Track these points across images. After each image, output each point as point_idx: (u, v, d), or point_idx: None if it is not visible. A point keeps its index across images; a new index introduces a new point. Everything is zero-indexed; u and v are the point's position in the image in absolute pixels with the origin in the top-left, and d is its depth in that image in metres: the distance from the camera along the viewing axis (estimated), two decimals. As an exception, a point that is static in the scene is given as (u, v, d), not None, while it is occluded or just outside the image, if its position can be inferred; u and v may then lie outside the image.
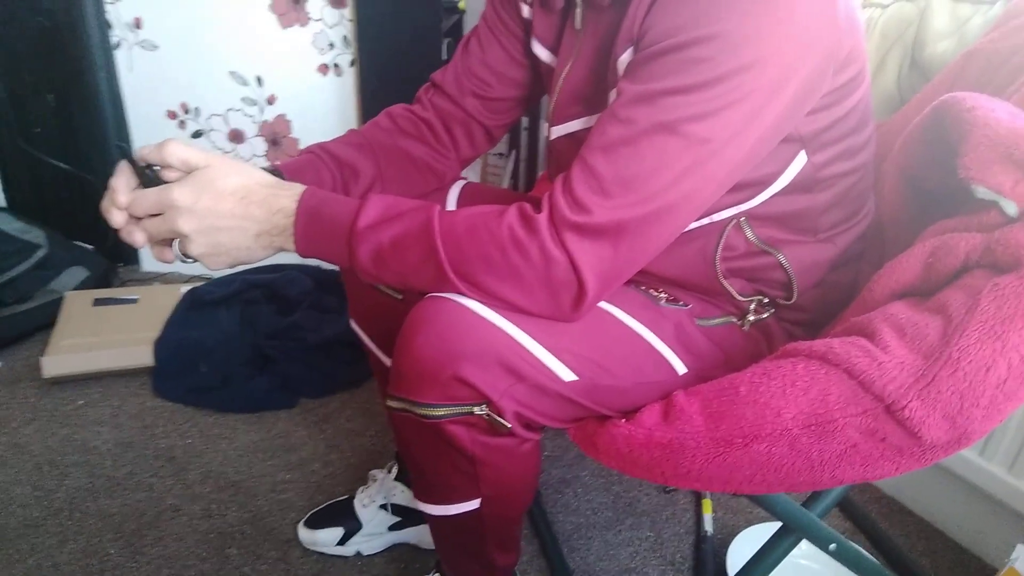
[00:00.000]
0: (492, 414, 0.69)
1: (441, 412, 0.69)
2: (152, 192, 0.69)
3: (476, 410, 0.69)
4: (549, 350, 0.70)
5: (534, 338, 0.69)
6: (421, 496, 0.82)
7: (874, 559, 0.89)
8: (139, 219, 0.72)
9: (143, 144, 0.78)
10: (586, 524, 1.27)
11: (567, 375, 0.70)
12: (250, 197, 0.70)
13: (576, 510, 1.30)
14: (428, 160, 0.98)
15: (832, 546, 0.83)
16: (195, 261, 0.72)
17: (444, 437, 0.71)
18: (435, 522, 0.85)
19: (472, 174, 2.22)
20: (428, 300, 0.71)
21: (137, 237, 0.72)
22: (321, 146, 0.91)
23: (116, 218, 0.72)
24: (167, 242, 0.74)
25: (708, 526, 1.26)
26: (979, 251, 0.67)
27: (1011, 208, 0.68)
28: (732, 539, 1.20)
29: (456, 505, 0.79)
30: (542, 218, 0.66)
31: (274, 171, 0.82)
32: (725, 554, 1.17)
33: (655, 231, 0.67)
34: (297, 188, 0.72)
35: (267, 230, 0.71)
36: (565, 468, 1.41)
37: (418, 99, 1.00)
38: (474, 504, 0.79)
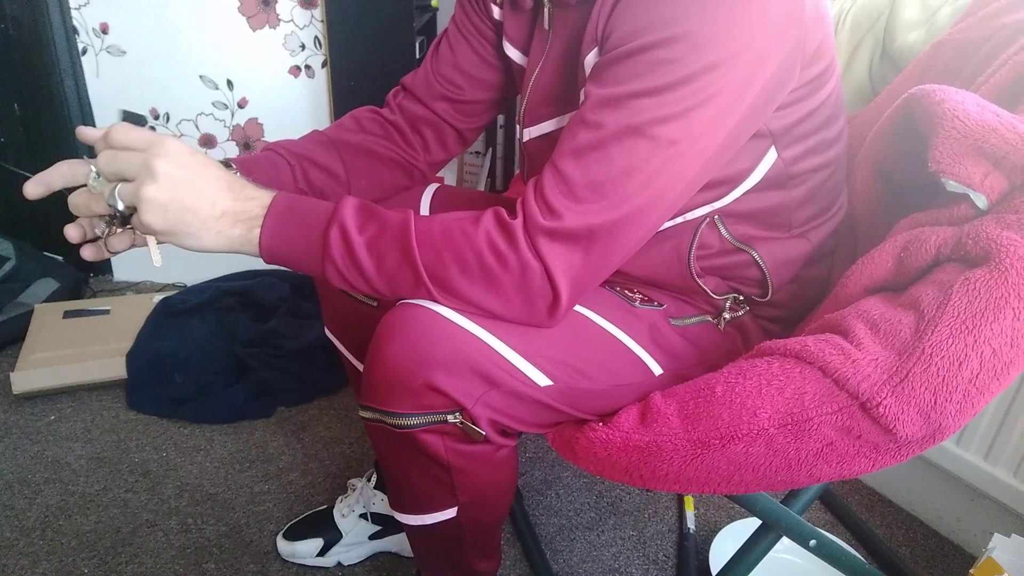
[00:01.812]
0: (466, 422, 0.68)
1: (414, 421, 0.68)
2: (143, 130, 0.65)
3: (450, 418, 0.68)
4: (523, 355, 0.69)
5: (507, 344, 0.68)
6: (397, 506, 0.81)
7: (854, 553, 0.89)
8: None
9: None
10: (569, 525, 1.27)
11: (542, 380, 0.69)
12: (231, 178, 0.68)
13: (558, 511, 1.30)
14: (395, 157, 0.96)
15: (812, 542, 0.83)
16: (122, 209, 0.65)
17: (418, 446, 0.70)
18: (413, 532, 0.84)
19: (449, 173, 2.20)
20: (400, 308, 0.69)
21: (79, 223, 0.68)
22: (278, 143, 0.90)
23: (30, 189, 0.67)
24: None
25: (690, 523, 1.26)
26: (950, 245, 0.67)
27: (981, 201, 0.68)
28: (714, 535, 1.20)
29: (433, 514, 0.78)
30: (518, 224, 0.65)
31: (227, 163, 0.80)
32: (708, 551, 1.17)
33: (627, 234, 0.66)
34: (273, 191, 0.70)
35: (235, 211, 0.67)
36: (547, 469, 1.40)
37: (386, 103, 0.98)
38: (451, 513, 0.77)
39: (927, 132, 0.72)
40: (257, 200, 0.68)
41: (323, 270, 0.69)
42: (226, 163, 0.81)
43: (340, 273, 0.68)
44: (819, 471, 0.66)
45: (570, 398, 0.72)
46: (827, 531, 1.25)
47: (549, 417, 0.73)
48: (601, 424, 0.73)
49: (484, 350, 0.67)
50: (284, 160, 0.88)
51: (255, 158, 0.86)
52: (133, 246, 0.70)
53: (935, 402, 0.60)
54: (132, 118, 0.70)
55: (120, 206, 0.65)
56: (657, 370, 0.77)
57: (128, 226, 0.68)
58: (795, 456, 0.65)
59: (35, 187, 0.68)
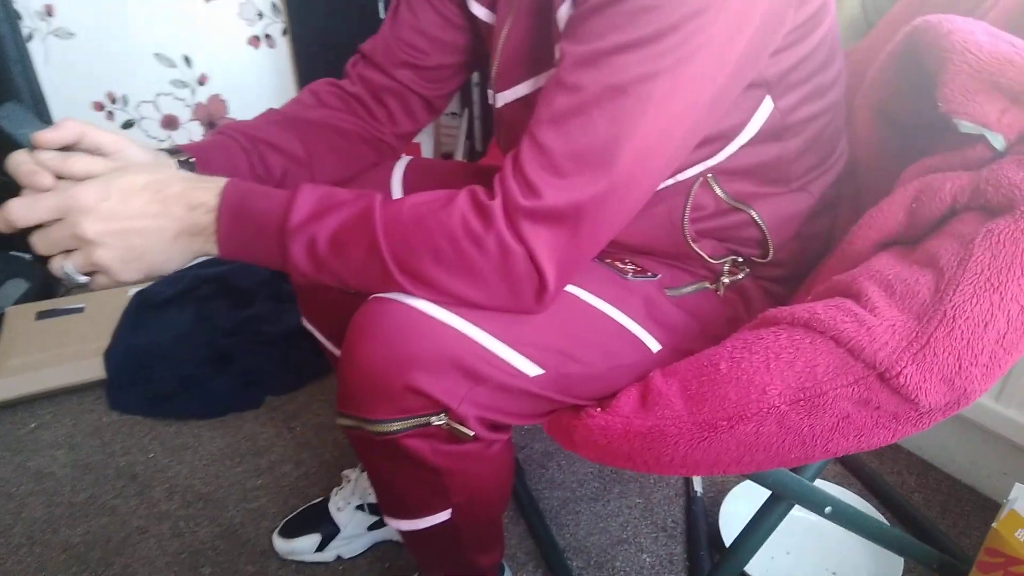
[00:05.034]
0: (452, 423, 0.63)
1: (396, 427, 0.63)
2: (48, 195, 0.60)
3: (434, 420, 0.63)
4: (509, 345, 0.63)
5: (491, 334, 0.62)
6: (388, 512, 0.76)
7: (871, 516, 0.85)
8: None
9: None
10: (573, 497, 1.23)
11: (531, 370, 0.64)
12: (164, 192, 0.62)
13: (562, 484, 1.26)
14: (359, 132, 0.90)
15: (828, 509, 0.79)
16: (85, 282, 0.62)
17: (402, 452, 0.65)
18: (407, 536, 0.79)
19: (426, 138, 2.12)
20: (371, 303, 0.64)
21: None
22: (231, 125, 0.83)
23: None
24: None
25: (697, 486, 1.23)
26: (967, 192, 0.61)
27: (998, 142, 0.62)
28: (723, 496, 1.17)
29: (425, 519, 0.73)
30: (496, 205, 0.59)
31: (176, 150, 0.75)
32: (717, 514, 1.14)
33: (616, 207, 0.60)
34: (218, 181, 0.64)
35: (186, 228, 0.63)
36: (546, 441, 1.36)
37: (345, 73, 0.91)
38: (444, 516, 0.73)
39: (935, 68, 0.66)
40: (202, 206, 0.62)
41: (286, 270, 0.64)
42: (175, 150, 0.75)
43: (303, 272, 0.63)
44: (835, 446, 0.62)
45: (563, 385, 0.67)
46: (837, 483, 1.23)
47: (542, 407, 0.68)
48: (599, 409, 0.68)
49: (466, 344, 0.61)
50: (238, 144, 0.81)
51: (207, 144, 0.80)
52: None
53: (960, 367, 0.56)
54: (13, 115, 0.66)
55: (82, 279, 0.63)
56: (655, 346, 0.72)
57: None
58: (809, 433, 0.61)
59: None
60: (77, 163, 0.62)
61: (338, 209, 0.62)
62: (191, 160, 0.75)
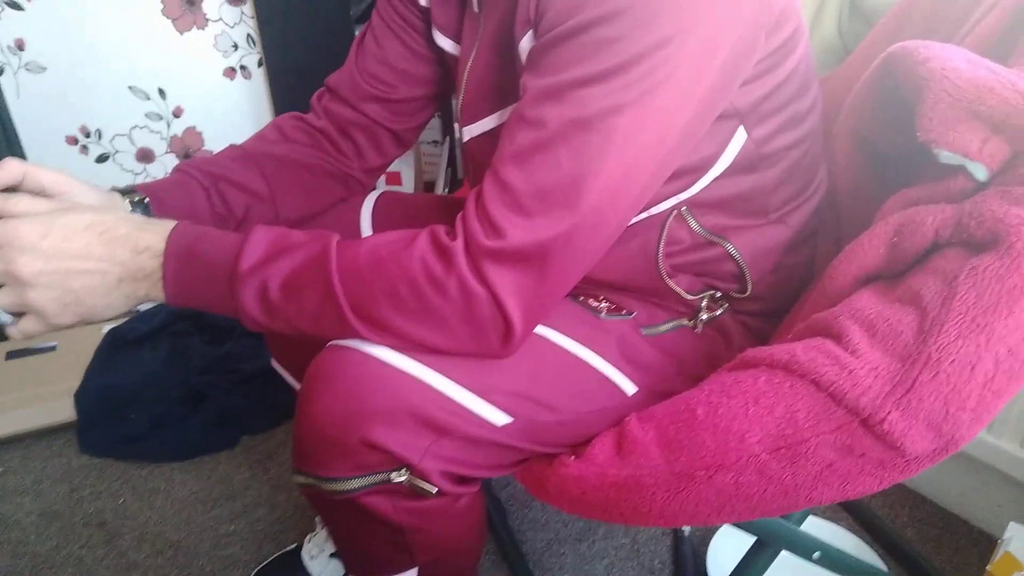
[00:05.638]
0: (414, 479, 0.59)
1: (354, 485, 0.59)
2: None
3: (395, 477, 0.59)
4: (474, 393, 0.60)
5: (455, 381, 0.59)
6: (351, 569, 0.72)
7: (863, 560, 0.82)
8: None
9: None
10: (557, 539, 1.19)
11: (499, 419, 0.61)
12: (110, 233, 0.59)
13: (545, 525, 1.22)
14: (326, 167, 0.87)
15: (816, 554, 0.76)
16: (8, 322, 0.59)
17: (362, 510, 0.61)
18: (375, 592, 0.75)
19: (406, 167, 2.10)
20: (327, 352, 0.60)
21: None
22: (190, 163, 0.80)
23: None
24: None
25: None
26: (950, 226, 0.59)
27: (980, 172, 0.60)
28: (711, 536, 1.13)
29: (392, 577, 0.69)
30: (458, 246, 0.56)
31: (130, 190, 0.72)
32: (705, 554, 1.10)
33: (584, 246, 0.57)
34: (166, 224, 0.61)
35: (131, 273, 0.59)
36: (531, 478, 1.32)
37: (311, 107, 0.88)
38: (412, 574, 0.69)
39: (913, 96, 0.63)
40: (148, 250, 0.59)
41: (237, 317, 0.60)
42: (130, 189, 0.72)
43: (255, 320, 0.59)
44: (819, 495, 0.58)
45: (534, 434, 0.63)
46: (827, 518, 1.19)
47: (512, 457, 0.65)
48: (573, 458, 0.64)
49: (428, 393, 0.58)
50: (197, 182, 0.78)
51: (165, 183, 0.77)
52: None
53: (947, 412, 0.52)
54: None
55: (5, 319, 0.59)
56: (630, 389, 0.69)
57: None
58: (791, 482, 0.58)
59: None
60: (18, 203, 0.60)
61: (292, 252, 0.59)
62: (145, 200, 0.72)
